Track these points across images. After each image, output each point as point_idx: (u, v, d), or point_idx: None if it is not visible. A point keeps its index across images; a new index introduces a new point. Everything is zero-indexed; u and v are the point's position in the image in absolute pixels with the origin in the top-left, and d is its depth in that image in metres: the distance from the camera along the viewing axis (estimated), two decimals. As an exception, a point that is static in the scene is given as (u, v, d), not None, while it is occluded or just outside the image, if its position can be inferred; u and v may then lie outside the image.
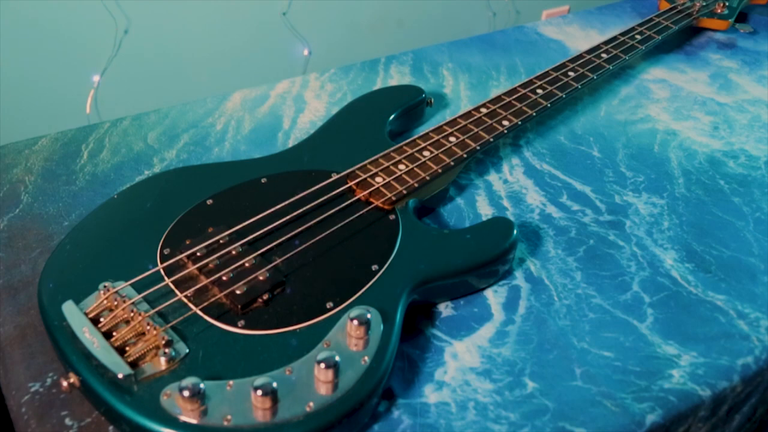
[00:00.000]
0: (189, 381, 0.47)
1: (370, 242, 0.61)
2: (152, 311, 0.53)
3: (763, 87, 0.94)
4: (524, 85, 0.82)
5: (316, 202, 0.64)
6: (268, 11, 1.59)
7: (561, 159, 0.80)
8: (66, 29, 1.39)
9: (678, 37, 1.05)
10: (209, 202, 0.64)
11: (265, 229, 0.61)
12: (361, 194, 0.66)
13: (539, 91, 0.81)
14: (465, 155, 0.71)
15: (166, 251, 0.59)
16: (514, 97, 0.79)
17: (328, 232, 0.62)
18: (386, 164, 0.69)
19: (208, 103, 0.87)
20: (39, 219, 0.68)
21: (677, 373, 0.57)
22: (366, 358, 0.51)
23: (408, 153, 0.70)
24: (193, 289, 0.56)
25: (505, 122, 0.75)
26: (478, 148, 0.72)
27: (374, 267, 0.59)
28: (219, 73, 1.60)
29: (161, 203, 0.64)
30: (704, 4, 1.05)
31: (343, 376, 0.50)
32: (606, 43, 0.91)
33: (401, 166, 0.69)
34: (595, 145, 0.82)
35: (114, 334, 0.51)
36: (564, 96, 0.80)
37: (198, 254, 0.58)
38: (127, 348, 0.51)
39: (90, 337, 0.51)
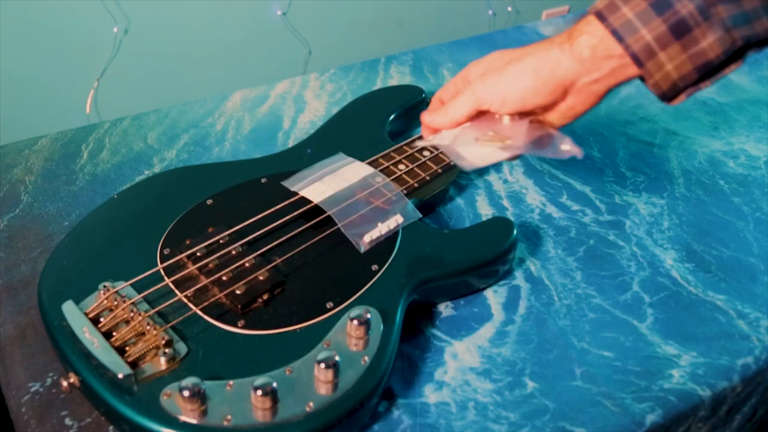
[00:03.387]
0: (189, 381, 0.47)
1: (370, 242, 0.61)
2: (152, 311, 0.53)
3: (763, 87, 0.94)
4: (524, 85, 0.81)
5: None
6: (268, 11, 1.59)
7: (561, 159, 0.80)
8: (66, 29, 1.39)
9: (678, 37, 1.05)
10: (209, 202, 0.64)
11: (265, 229, 0.61)
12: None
13: (539, 91, 0.80)
14: (465, 155, 0.71)
15: (166, 251, 0.59)
16: (514, 97, 0.79)
17: (328, 232, 0.62)
18: (386, 164, 0.69)
19: (208, 103, 0.87)
20: (39, 219, 0.68)
21: (677, 373, 0.57)
22: (366, 358, 0.51)
23: (408, 153, 0.70)
24: (193, 289, 0.56)
25: (505, 122, 0.75)
26: (478, 148, 0.72)
27: (374, 267, 0.59)
28: (219, 73, 1.60)
29: (161, 203, 0.64)
30: (704, 4, 1.04)
31: (343, 376, 0.50)
32: (606, 43, 0.91)
33: (401, 166, 0.69)
34: (595, 145, 0.82)
35: (114, 334, 0.51)
36: (564, 96, 0.80)
37: (198, 254, 0.58)
38: (127, 348, 0.51)
39: (90, 337, 0.50)
